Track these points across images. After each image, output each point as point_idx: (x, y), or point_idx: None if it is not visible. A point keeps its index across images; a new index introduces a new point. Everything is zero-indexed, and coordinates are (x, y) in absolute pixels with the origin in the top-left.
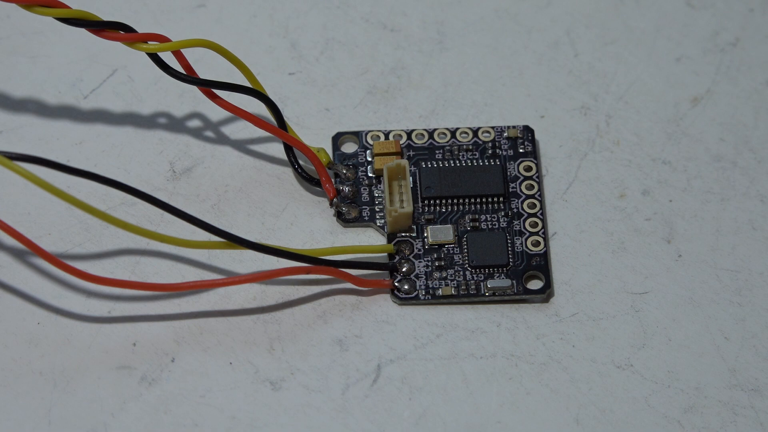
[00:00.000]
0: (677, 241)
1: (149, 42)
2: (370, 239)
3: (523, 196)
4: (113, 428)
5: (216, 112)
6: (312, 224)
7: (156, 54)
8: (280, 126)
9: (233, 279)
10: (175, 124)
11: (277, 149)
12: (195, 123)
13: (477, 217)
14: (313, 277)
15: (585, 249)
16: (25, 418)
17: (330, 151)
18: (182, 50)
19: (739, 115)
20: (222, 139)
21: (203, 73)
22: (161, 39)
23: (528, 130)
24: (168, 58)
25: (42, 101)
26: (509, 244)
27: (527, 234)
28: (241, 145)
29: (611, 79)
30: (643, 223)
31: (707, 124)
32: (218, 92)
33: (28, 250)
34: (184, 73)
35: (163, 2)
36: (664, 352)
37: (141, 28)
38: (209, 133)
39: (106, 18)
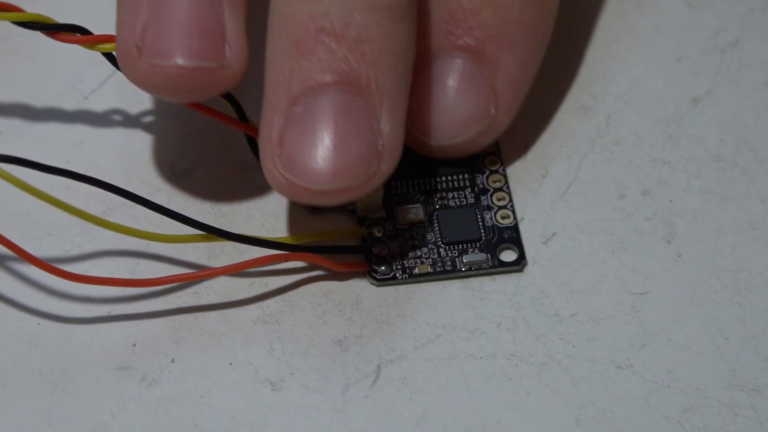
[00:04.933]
0: (677, 241)
1: (106, 44)
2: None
3: (488, 172)
4: (113, 428)
5: None
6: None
7: (113, 54)
8: (241, 119)
9: (209, 272)
10: (175, 125)
11: None
12: (195, 123)
13: (444, 195)
14: (313, 277)
15: (585, 249)
16: (25, 419)
17: None
18: None
19: (739, 115)
20: (222, 139)
21: None
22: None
23: None
24: None
25: (42, 101)
26: (480, 219)
27: (495, 208)
28: (242, 145)
29: (611, 79)
30: (643, 223)
31: (707, 124)
32: None
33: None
34: None
35: None
36: (664, 352)
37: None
38: (209, 134)
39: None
